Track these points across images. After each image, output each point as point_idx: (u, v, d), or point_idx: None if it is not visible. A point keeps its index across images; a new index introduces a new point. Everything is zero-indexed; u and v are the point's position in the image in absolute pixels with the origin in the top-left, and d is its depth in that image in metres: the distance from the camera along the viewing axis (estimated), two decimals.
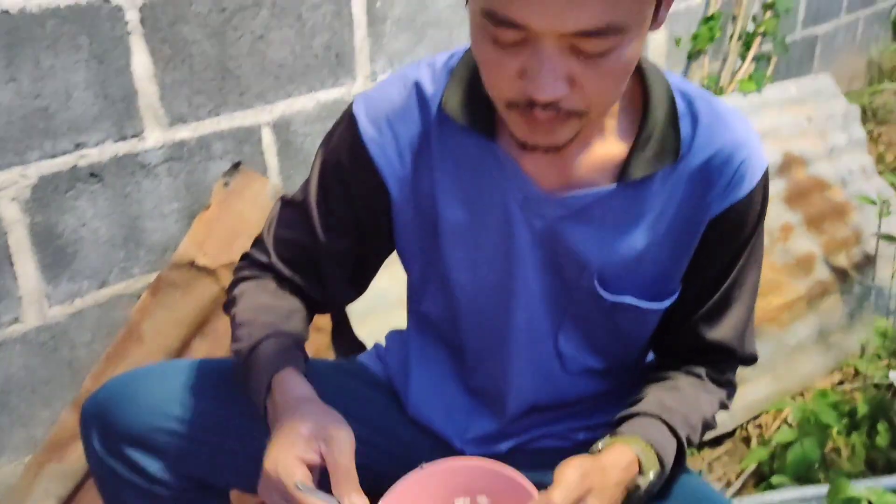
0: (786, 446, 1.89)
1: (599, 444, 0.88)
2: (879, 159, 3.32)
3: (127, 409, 0.97)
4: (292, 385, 0.86)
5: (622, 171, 0.86)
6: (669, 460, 0.89)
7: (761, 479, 1.94)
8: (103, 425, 0.98)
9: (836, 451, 2.01)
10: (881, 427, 1.98)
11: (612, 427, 0.92)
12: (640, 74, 0.86)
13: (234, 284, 1.02)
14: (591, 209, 0.87)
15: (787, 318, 2.22)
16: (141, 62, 1.40)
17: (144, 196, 1.48)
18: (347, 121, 0.94)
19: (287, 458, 0.77)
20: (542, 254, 0.91)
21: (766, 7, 2.74)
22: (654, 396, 0.94)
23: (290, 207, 0.99)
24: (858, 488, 1.43)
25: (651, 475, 0.85)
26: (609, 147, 0.87)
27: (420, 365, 1.06)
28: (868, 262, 2.51)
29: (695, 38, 2.59)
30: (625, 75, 0.75)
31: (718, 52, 2.79)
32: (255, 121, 1.60)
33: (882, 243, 2.45)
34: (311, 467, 0.78)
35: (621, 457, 0.84)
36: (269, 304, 0.96)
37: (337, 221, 0.96)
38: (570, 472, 0.78)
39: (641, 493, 0.86)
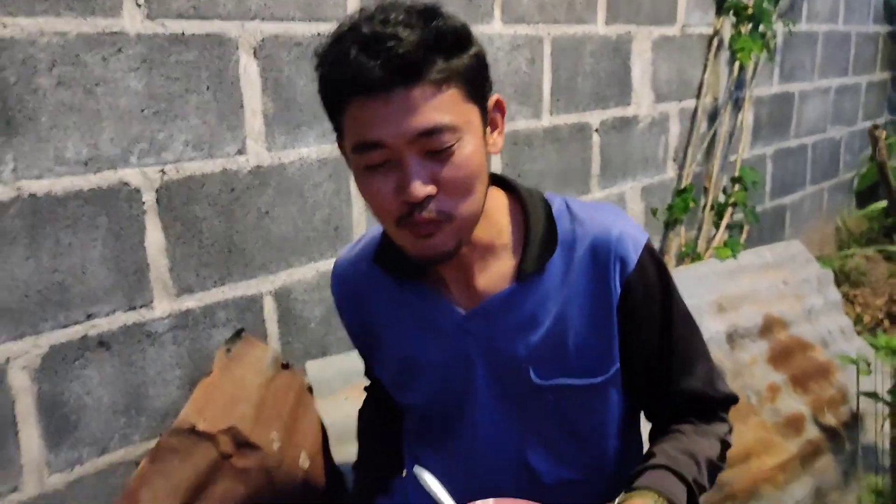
0: None
1: (616, 501, 0.93)
2: (857, 320, 3.43)
3: None
4: None
5: (518, 272, 1.02)
6: None
7: None
8: None
9: None
10: None
11: (626, 485, 0.99)
12: (521, 201, 1.04)
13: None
14: (504, 309, 1.02)
15: (782, 479, 2.21)
16: (154, 238, 1.50)
17: (149, 363, 1.53)
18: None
19: None
20: (484, 365, 1.04)
21: (734, 180, 2.94)
22: (659, 449, 1.02)
23: None
24: None
25: None
26: (506, 262, 1.03)
27: (416, 487, 1.09)
28: (856, 420, 2.54)
29: (669, 208, 2.75)
30: (473, 172, 0.90)
31: (693, 222, 2.96)
32: (258, 290, 1.69)
33: (868, 402, 2.49)
34: None
35: None
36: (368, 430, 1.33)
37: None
38: None
39: None
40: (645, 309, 1.03)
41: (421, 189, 0.87)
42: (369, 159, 0.88)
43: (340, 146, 0.96)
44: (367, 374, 1.29)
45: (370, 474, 1.33)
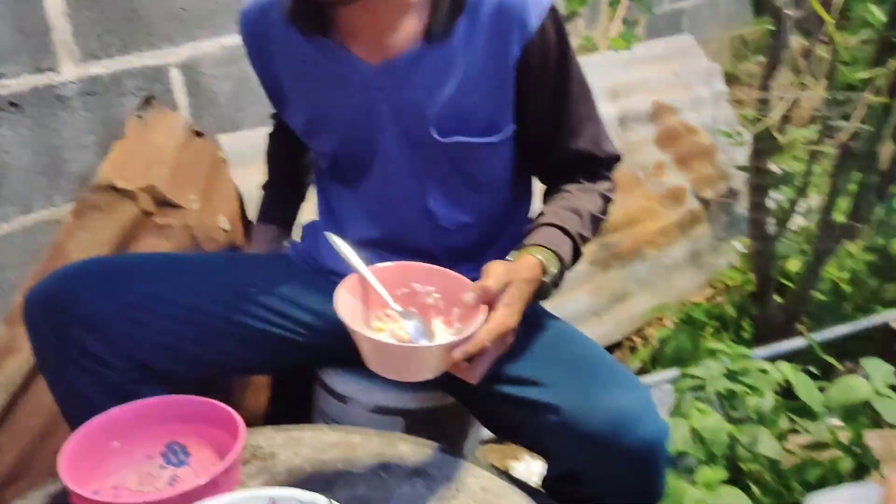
0: (666, 343, 2.13)
1: (509, 257, 1.06)
2: (746, 117, 3.67)
3: (82, 296, 1.09)
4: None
5: (427, 32, 1.07)
6: (567, 256, 1.08)
7: None
8: (54, 311, 1.08)
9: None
10: (745, 324, 2.25)
11: (518, 242, 1.11)
12: None
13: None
14: (411, 68, 1.08)
15: (662, 242, 2.48)
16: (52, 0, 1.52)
17: (63, 127, 1.58)
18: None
19: None
20: (390, 119, 1.11)
21: None
22: (547, 209, 1.14)
23: None
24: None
25: (553, 269, 1.05)
26: (414, 20, 1.08)
27: (328, 227, 1.22)
28: (732, 195, 2.81)
29: (568, 1, 2.84)
30: None
31: (593, 19, 3.06)
32: (164, 61, 1.73)
33: (743, 177, 2.75)
34: None
35: (527, 262, 1.03)
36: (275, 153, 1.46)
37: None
38: (497, 265, 0.98)
39: (549, 287, 1.05)
40: (541, 73, 1.09)
41: None
42: None
43: None
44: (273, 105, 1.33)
45: (278, 191, 1.47)
